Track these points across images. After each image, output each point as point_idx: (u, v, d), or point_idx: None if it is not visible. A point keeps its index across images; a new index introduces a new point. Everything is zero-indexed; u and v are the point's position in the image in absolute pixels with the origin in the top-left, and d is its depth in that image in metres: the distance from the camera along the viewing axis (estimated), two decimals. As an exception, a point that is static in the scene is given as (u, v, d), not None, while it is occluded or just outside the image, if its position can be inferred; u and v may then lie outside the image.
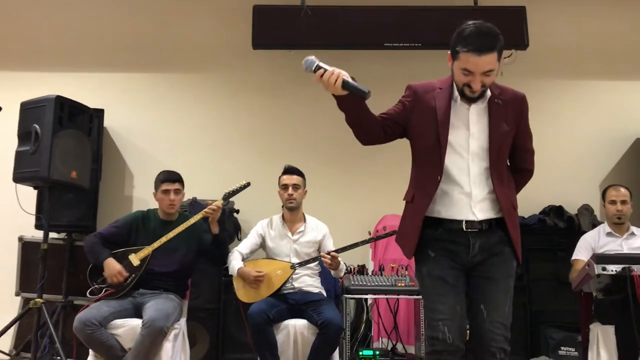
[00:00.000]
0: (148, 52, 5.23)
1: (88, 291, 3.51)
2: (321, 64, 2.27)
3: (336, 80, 2.18)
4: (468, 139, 2.31)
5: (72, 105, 4.29)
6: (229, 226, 4.63)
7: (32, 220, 4.49)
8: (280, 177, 3.91)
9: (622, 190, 3.96)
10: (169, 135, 5.14)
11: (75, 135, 4.27)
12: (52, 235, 4.59)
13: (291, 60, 5.09)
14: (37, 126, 4.03)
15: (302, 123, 5.16)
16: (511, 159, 2.44)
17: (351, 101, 2.26)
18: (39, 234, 4.45)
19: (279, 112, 5.18)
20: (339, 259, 3.61)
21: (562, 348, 4.32)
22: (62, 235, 4.73)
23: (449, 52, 2.29)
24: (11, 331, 4.32)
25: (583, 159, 5.11)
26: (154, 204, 3.87)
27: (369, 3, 4.98)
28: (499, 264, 2.29)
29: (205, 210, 3.58)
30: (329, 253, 3.54)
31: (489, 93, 2.31)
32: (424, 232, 2.31)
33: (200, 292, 4.35)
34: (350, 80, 2.21)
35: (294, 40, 4.82)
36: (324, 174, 4.94)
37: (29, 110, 4.14)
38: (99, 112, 4.80)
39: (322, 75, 2.21)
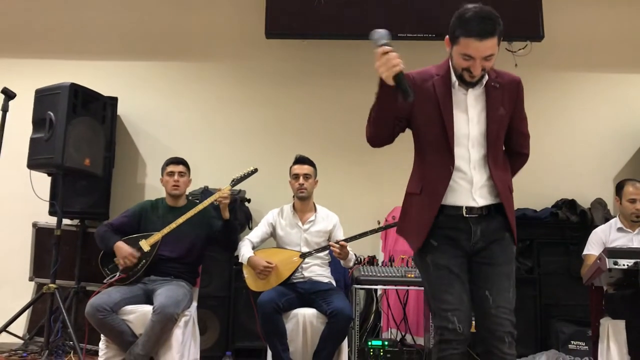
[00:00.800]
0: (161, 40, 5.24)
1: (106, 280, 3.54)
2: (389, 43, 2.17)
3: (394, 67, 2.11)
4: (468, 124, 2.30)
5: (86, 93, 4.33)
6: (240, 215, 4.65)
7: (46, 206, 4.53)
8: (291, 167, 3.92)
9: None
10: (181, 123, 5.15)
11: (89, 123, 4.31)
12: (66, 221, 4.64)
13: (304, 51, 5.11)
14: (51, 113, 4.07)
15: (314, 113, 5.15)
16: (506, 142, 2.41)
17: (392, 96, 2.20)
18: (52, 220, 4.50)
19: (291, 102, 5.17)
20: (348, 249, 3.61)
21: (572, 342, 4.30)
22: (75, 221, 4.77)
23: (446, 36, 2.26)
24: (25, 316, 4.38)
25: (597, 152, 5.05)
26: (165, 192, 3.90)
27: (383, -7, 4.95)
28: (500, 250, 2.29)
29: (214, 196, 3.60)
30: (338, 242, 3.54)
31: (486, 77, 2.29)
32: None
33: (211, 279, 4.37)
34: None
35: (307, 30, 4.81)
36: (335, 164, 4.93)
37: (44, 97, 4.18)
38: (113, 100, 4.83)
39: (386, 53, 2.13)
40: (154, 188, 5.01)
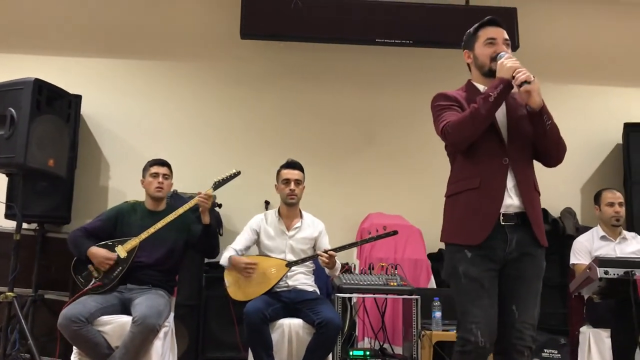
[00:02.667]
0: (131, 37, 5.03)
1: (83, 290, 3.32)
2: None
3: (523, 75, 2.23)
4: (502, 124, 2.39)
5: (50, 90, 4.09)
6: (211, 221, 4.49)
7: (2, 209, 4.25)
8: (280, 171, 3.77)
9: (617, 192, 4.01)
10: (148, 125, 4.94)
11: (54, 121, 4.08)
12: (23, 225, 4.36)
13: (279, 53, 5.01)
14: (12, 110, 3.82)
15: (288, 117, 5.04)
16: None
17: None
18: (7, 224, 4.24)
19: (264, 105, 5.04)
20: (335, 257, 3.51)
21: (545, 350, 4.33)
22: (33, 225, 4.49)
23: (465, 50, 2.50)
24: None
25: (565, 162, 4.97)
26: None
27: (362, -2, 4.91)
28: (532, 264, 2.32)
29: (197, 198, 3.44)
30: (326, 251, 3.44)
31: None
32: None
33: (180, 288, 4.16)
34: None
35: (283, 31, 4.73)
36: (308, 170, 4.74)
37: (5, 93, 3.92)
38: (77, 98, 4.59)
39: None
40: (118, 191, 4.80)
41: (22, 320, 3.71)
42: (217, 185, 3.54)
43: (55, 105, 4.16)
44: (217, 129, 4.99)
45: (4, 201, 4.27)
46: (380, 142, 4.99)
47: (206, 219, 3.48)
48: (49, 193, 4.41)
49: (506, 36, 2.42)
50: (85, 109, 4.76)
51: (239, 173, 3.60)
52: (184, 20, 5.07)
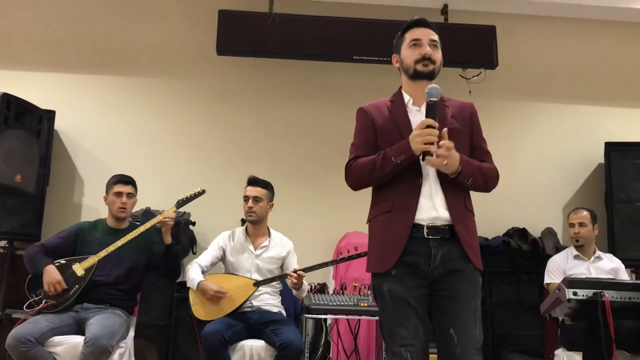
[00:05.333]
0: (105, 53, 4.98)
1: (25, 305, 3.22)
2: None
3: (429, 144, 2.12)
4: None
5: (20, 104, 4.05)
6: (184, 239, 4.42)
7: (-31, 225, 4.18)
8: (244, 188, 3.71)
9: (582, 213, 3.98)
10: (123, 141, 4.88)
11: (22, 136, 4.03)
12: (-8, 243, 4.30)
13: (256, 69, 4.96)
14: (-22, 124, 3.76)
15: (264, 134, 4.97)
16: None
17: (408, 162, 2.21)
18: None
19: (241, 121, 4.98)
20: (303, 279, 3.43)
21: (523, 374, 4.24)
22: (3, 243, 4.40)
23: (393, 54, 2.41)
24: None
25: (547, 181, 5.08)
26: (104, 213, 3.63)
27: (339, 14, 4.87)
28: (464, 282, 2.18)
29: (157, 217, 3.35)
30: (295, 271, 3.35)
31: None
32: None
33: (150, 307, 4.11)
34: None
35: (260, 47, 4.68)
36: (285, 188, 4.70)
37: (-29, 107, 3.87)
38: (50, 114, 4.53)
39: (429, 126, 2.14)
40: (92, 209, 4.72)
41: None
42: (181, 203, 3.47)
43: (25, 121, 4.11)
44: (193, 146, 4.93)
45: (-28, 218, 4.19)
46: (359, 160, 4.92)
47: (168, 239, 3.39)
48: (18, 210, 4.32)
49: (434, 37, 2.30)
50: (60, 125, 4.70)
51: (203, 191, 3.53)
52: (159, 36, 5.03)
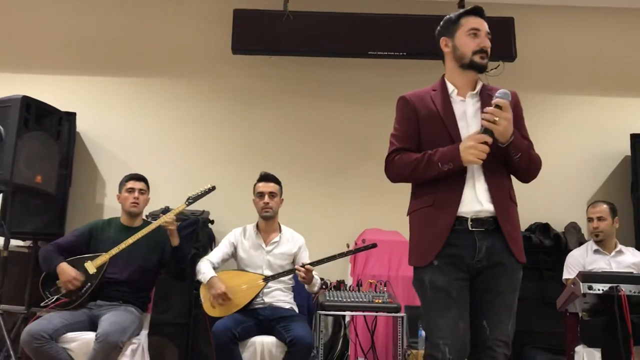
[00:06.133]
0: (125, 55, 5.07)
1: (43, 303, 3.29)
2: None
3: (480, 159, 2.14)
4: (468, 130, 2.24)
5: (39, 107, 4.11)
6: (203, 237, 4.45)
7: (-4, 227, 4.28)
8: (255, 185, 3.73)
9: (601, 206, 3.88)
10: (143, 141, 4.95)
11: (42, 138, 4.09)
12: (17, 242, 4.40)
13: (271, 67, 4.97)
14: (0, 127, 3.84)
15: (281, 132, 4.99)
16: None
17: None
18: (2, 242, 4.26)
19: (257, 120, 5.01)
20: (314, 273, 3.41)
21: (546, 371, 4.14)
22: (28, 243, 4.51)
23: (443, 37, 2.34)
24: (-31, 343, 4.08)
25: (571, 175, 4.97)
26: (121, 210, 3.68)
27: (353, 10, 4.84)
28: (504, 276, 2.17)
29: (161, 219, 3.38)
30: (303, 265, 3.34)
31: (480, 84, 2.33)
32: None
33: (169, 305, 4.15)
34: None
35: (275, 46, 4.70)
36: (303, 185, 4.78)
37: (-6, 111, 3.96)
38: (70, 116, 4.62)
39: (485, 143, 2.14)
40: (113, 208, 4.75)
41: (7, 338, 3.69)
42: (191, 200, 3.49)
43: (45, 123, 4.18)
44: (211, 145, 4.97)
45: (-3, 219, 4.29)
46: (376, 156, 4.79)
47: (174, 241, 3.42)
48: (42, 210, 4.43)
49: (488, 29, 2.29)
50: (81, 127, 4.79)
51: (213, 188, 3.55)
52: (175, 38, 5.09)
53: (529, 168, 2.27)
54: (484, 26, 2.27)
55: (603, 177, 4.96)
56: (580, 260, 3.73)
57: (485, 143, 2.11)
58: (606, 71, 5.11)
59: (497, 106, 2.12)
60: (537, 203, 4.83)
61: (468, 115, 2.27)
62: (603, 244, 3.78)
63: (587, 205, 4.84)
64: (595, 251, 3.76)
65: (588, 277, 2.82)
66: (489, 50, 2.26)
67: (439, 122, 2.25)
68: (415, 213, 2.28)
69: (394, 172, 2.30)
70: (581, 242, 4.48)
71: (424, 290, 2.18)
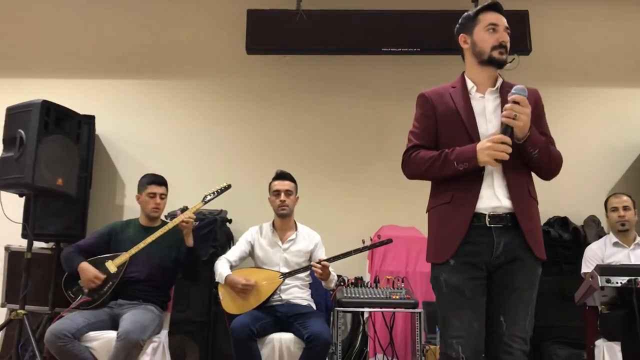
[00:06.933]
0: (141, 58, 5.13)
1: (72, 306, 3.36)
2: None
3: (499, 160, 2.14)
4: (487, 127, 2.24)
5: (59, 111, 4.17)
6: (221, 236, 4.48)
7: (19, 229, 4.35)
8: (271, 183, 3.76)
9: (624, 197, 3.83)
10: (160, 142, 5.01)
11: (62, 141, 4.15)
12: (40, 244, 4.48)
13: (286, 66, 5.00)
14: (22, 131, 3.91)
15: (297, 129, 5.02)
16: None
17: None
18: (26, 243, 4.33)
19: (273, 119, 5.04)
20: (330, 269, 3.43)
21: (567, 366, 4.11)
22: (50, 244, 4.59)
23: (461, 34, 2.35)
24: (-3, 344, 4.18)
25: (589, 168, 4.92)
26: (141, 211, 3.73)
27: (366, 7, 4.84)
28: (522, 272, 2.16)
29: (178, 218, 3.43)
30: (319, 262, 3.37)
31: (500, 80, 2.32)
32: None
33: (189, 304, 4.20)
34: None
35: (288, 45, 4.72)
36: (319, 183, 4.80)
37: (15, 116, 4.02)
38: (89, 119, 4.69)
39: (504, 143, 2.13)
40: (133, 209, 4.84)
41: (33, 339, 3.76)
42: (208, 199, 3.54)
43: (64, 126, 4.24)
44: (227, 144, 5.02)
45: (21, 221, 4.36)
46: (392, 152, 4.79)
47: (189, 241, 3.46)
48: (63, 212, 4.50)
49: (507, 24, 2.29)
50: (100, 129, 4.87)
51: (229, 186, 3.60)
52: (191, 39, 5.14)
53: (549, 164, 2.27)
54: (503, 21, 2.27)
55: (622, 170, 4.90)
56: (598, 253, 3.70)
57: (505, 143, 2.10)
58: (623, 63, 5.05)
59: (515, 102, 2.12)
60: (556, 197, 4.78)
61: (487, 112, 2.26)
62: (624, 236, 3.75)
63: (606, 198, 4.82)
64: (615, 244, 3.73)
65: (606, 270, 2.78)
66: (508, 45, 2.26)
67: (458, 119, 2.25)
68: (433, 210, 2.29)
69: (410, 169, 2.31)
70: (600, 235, 4.44)
71: (439, 289, 2.19)
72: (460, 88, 2.31)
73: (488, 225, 2.14)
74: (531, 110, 2.25)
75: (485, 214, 2.15)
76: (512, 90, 2.16)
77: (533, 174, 2.33)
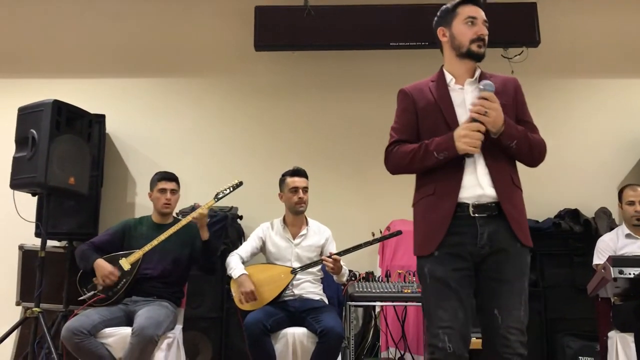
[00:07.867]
0: (149, 57, 5.16)
1: (79, 299, 3.39)
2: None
3: (475, 148, 2.14)
4: (467, 118, 2.22)
5: (70, 110, 4.20)
6: (232, 233, 4.51)
7: (33, 228, 4.40)
8: (286, 180, 3.75)
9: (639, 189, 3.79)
10: (171, 140, 5.04)
11: (73, 140, 4.18)
12: (54, 243, 4.53)
13: (294, 62, 5.01)
14: (34, 131, 3.94)
15: (306, 125, 5.03)
16: None
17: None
18: (39, 242, 4.37)
19: (283, 115, 5.06)
20: (342, 263, 3.45)
21: (580, 357, 4.11)
22: (63, 243, 4.63)
23: (440, 27, 2.34)
24: (12, 342, 4.22)
25: (600, 160, 4.90)
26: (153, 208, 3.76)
27: (374, 2, 4.84)
28: (510, 263, 2.15)
29: (193, 214, 3.45)
30: (330, 255, 3.38)
31: (478, 71, 2.32)
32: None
33: (202, 300, 4.23)
34: None
35: (297, 41, 4.73)
36: (329, 178, 4.82)
37: (27, 116, 4.06)
38: (100, 118, 4.72)
39: (479, 131, 2.15)
40: (144, 207, 4.87)
41: (48, 336, 3.80)
42: (220, 196, 3.56)
43: (75, 125, 4.28)
44: (236, 141, 5.04)
45: (34, 220, 4.41)
46: (402, 147, 4.90)
47: (204, 235, 3.48)
48: (75, 211, 4.54)
49: (485, 17, 2.28)
50: (110, 128, 4.90)
51: (241, 183, 3.62)
52: (199, 37, 5.16)
53: (530, 153, 2.25)
54: (481, 14, 2.27)
55: (633, 162, 4.87)
56: (610, 245, 3.69)
57: (479, 131, 2.11)
58: (632, 54, 5.02)
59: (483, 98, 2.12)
60: (566, 189, 4.80)
61: (467, 103, 2.25)
62: (637, 228, 3.73)
63: (617, 190, 4.80)
64: (627, 235, 3.71)
65: (618, 261, 2.79)
66: (486, 38, 2.26)
67: (438, 111, 2.25)
68: (418, 204, 2.29)
69: (393, 163, 2.32)
70: (612, 227, 4.43)
71: (424, 281, 2.19)
72: (438, 81, 2.32)
73: (472, 214, 2.14)
74: (512, 98, 2.28)
75: (469, 204, 2.15)
76: (479, 86, 2.18)
77: (518, 163, 2.32)
